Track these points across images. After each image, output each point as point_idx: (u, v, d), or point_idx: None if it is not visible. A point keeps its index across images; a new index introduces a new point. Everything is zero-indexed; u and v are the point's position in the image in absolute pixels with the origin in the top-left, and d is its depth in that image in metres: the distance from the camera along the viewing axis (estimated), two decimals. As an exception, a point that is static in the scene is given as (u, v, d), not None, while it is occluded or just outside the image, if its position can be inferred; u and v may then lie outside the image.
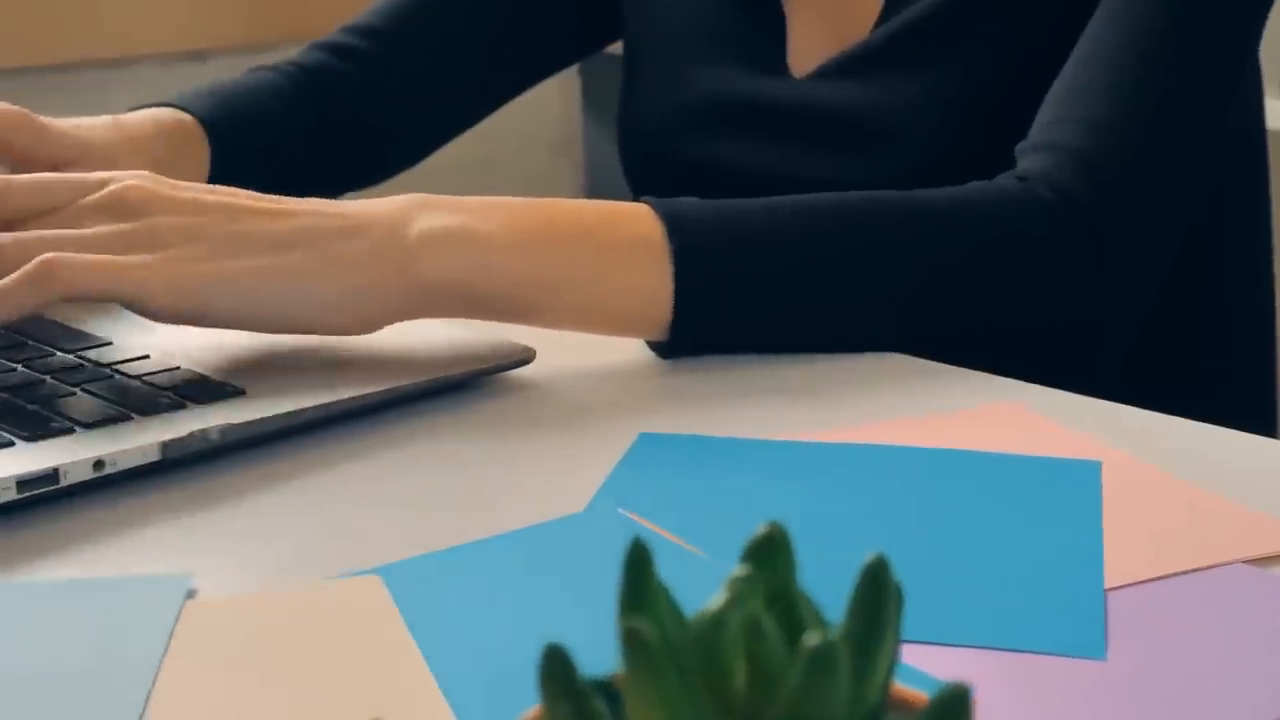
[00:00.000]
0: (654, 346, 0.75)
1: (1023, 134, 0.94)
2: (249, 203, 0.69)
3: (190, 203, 0.68)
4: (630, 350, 0.76)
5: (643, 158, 1.12)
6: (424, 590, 0.53)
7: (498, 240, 0.70)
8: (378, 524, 0.59)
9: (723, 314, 0.73)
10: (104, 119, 0.93)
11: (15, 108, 0.84)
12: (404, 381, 0.69)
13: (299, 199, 0.70)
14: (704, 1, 1.08)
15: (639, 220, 0.73)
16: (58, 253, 0.65)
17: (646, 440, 0.66)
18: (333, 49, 1.13)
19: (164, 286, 0.66)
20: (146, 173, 0.70)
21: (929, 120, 0.95)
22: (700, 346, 0.74)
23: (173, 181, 0.70)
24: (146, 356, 0.71)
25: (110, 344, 0.73)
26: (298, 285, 0.67)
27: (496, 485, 0.62)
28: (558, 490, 0.61)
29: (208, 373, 0.69)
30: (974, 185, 0.78)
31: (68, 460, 0.60)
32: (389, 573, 0.55)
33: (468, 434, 0.67)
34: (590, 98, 2.25)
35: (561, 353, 0.74)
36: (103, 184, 0.69)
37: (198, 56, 1.95)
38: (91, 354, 0.72)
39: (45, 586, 0.54)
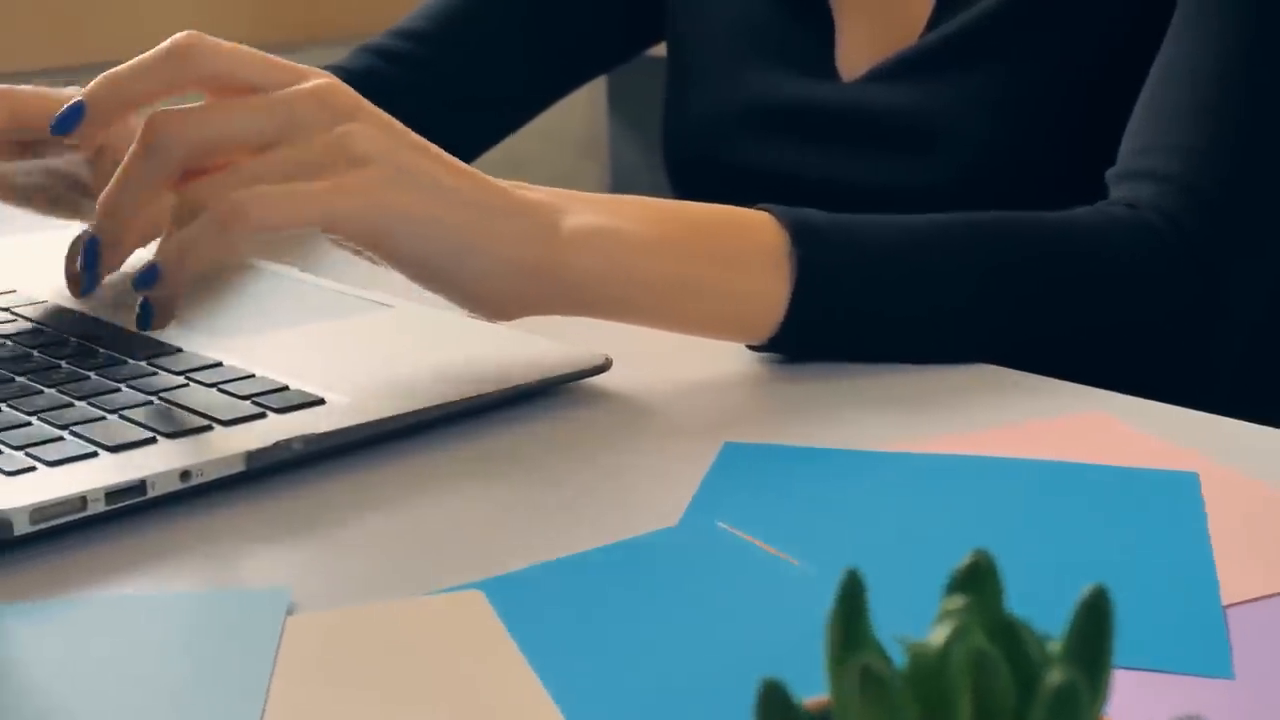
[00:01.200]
0: (754, 345, 0.75)
1: (1074, 138, 0.93)
2: (435, 148, 0.68)
3: (390, 121, 0.67)
4: (702, 357, 0.75)
5: (689, 161, 1.11)
6: (527, 605, 0.53)
7: (636, 241, 0.70)
8: (468, 535, 0.58)
9: (833, 324, 0.73)
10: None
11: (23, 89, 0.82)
12: (485, 389, 0.68)
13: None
14: (751, 5, 1.07)
15: (762, 227, 0.73)
16: (247, 190, 0.62)
17: (732, 450, 0.65)
18: (380, 53, 1.13)
19: (355, 215, 0.64)
20: (330, 74, 0.68)
21: (983, 124, 0.95)
22: (803, 351, 0.74)
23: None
24: (219, 364, 0.70)
25: (181, 351, 0.72)
26: (471, 250, 0.66)
27: (583, 496, 0.61)
28: (646, 500, 0.61)
29: (285, 380, 0.68)
30: (1083, 210, 0.78)
31: (155, 471, 0.59)
32: (490, 587, 0.54)
33: (550, 443, 0.66)
34: (616, 99, 2.25)
35: (632, 359, 0.73)
36: (303, 72, 0.67)
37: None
38: (163, 361, 0.71)
39: (144, 600, 0.53)
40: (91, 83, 0.68)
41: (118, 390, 0.67)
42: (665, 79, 1.14)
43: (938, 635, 0.25)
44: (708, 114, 1.08)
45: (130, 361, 0.71)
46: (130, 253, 0.70)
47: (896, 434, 0.66)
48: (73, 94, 0.82)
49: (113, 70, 0.67)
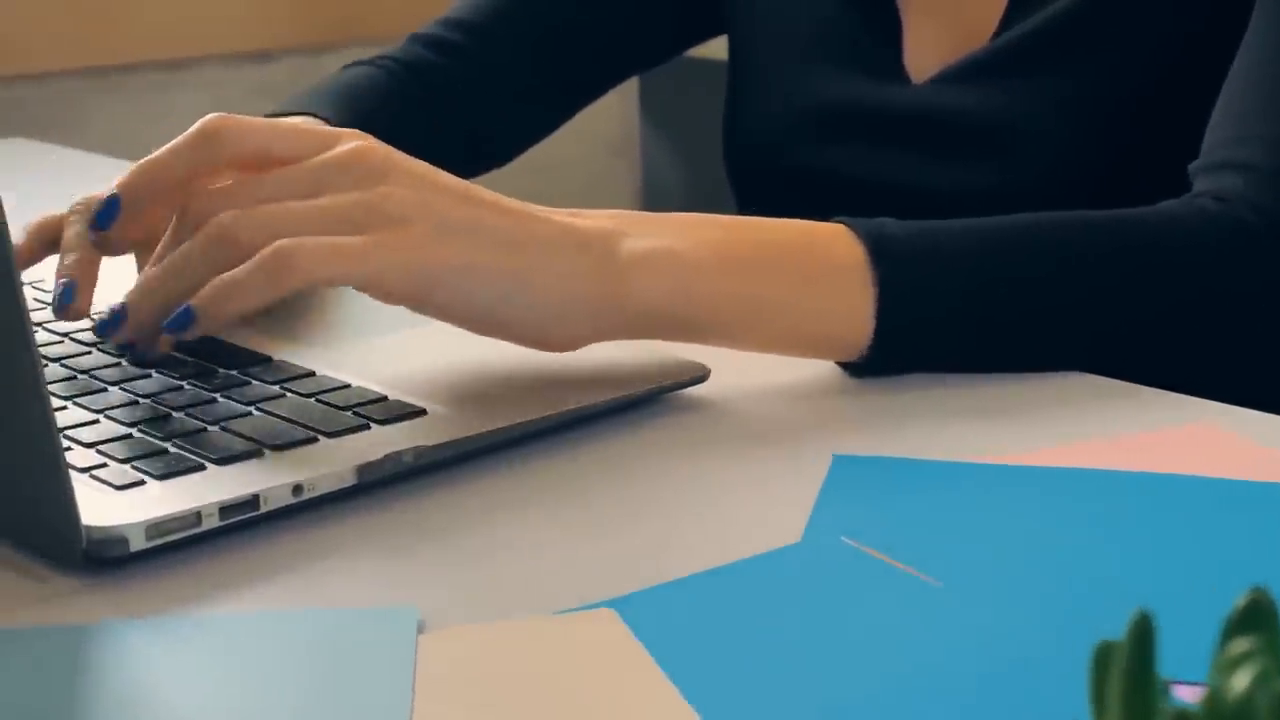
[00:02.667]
0: (844, 365, 0.73)
1: (1150, 137, 0.92)
2: (476, 192, 0.67)
3: (423, 177, 0.66)
4: (799, 368, 0.74)
5: (752, 164, 1.10)
6: (662, 623, 0.52)
7: (703, 263, 0.68)
8: (586, 550, 0.57)
9: (922, 337, 0.71)
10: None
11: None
12: (589, 400, 0.67)
13: (508, 198, 0.68)
14: (816, 6, 1.05)
15: (839, 241, 0.71)
16: (293, 240, 0.62)
17: (843, 463, 0.64)
18: (430, 42, 1.11)
19: (397, 271, 0.63)
20: (370, 136, 0.67)
21: (1059, 126, 0.93)
22: (894, 367, 0.72)
23: (397, 150, 0.67)
24: (312, 374, 0.69)
25: (271, 360, 0.71)
26: (522, 290, 0.65)
27: (697, 510, 0.60)
28: (760, 514, 0.60)
29: (383, 391, 0.67)
30: (1170, 204, 0.77)
31: (267, 486, 0.58)
32: (621, 605, 0.53)
33: (653, 455, 0.65)
34: (648, 99, 2.24)
35: (730, 370, 0.72)
36: (333, 137, 0.66)
37: (262, 57, 1.93)
38: (255, 370, 0.70)
39: (272, 618, 0.52)
40: (124, 174, 0.67)
41: (214, 401, 0.66)
42: (726, 80, 1.13)
43: (1237, 681, 0.24)
44: (772, 116, 1.07)
45: (221, 371, 0.70)
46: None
47: (997, 445, 0.65)
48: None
49: (145, 159, 0.67)
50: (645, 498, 0.61)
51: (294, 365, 0.70)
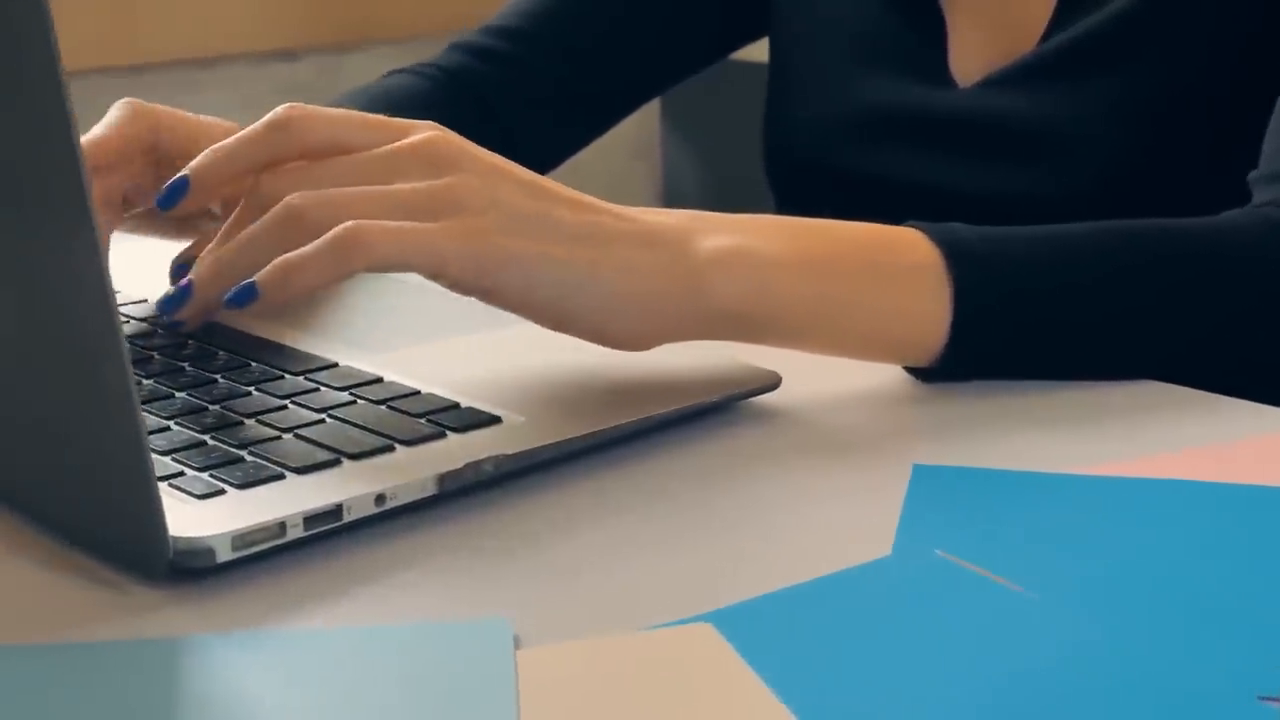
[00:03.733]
0: (913, 370, 0.72)
1: (1204, 145, 0.91)
2: (549, 185, 0.66)
3: (495, 167, 0.65)
4: (864, 374, 0.73)
5: (794, 168, 1.09)
6: (760, 637, 0.51)
7: (780, 263, 0.67)
8: (672, 563, 0.56)
9: (997, 343, 0.71)
10: None
11: (230, 125, 0.81)
12: (663, 408, 0.66)
13: (582, 194, 0.67)
14: (859, 7, 1.04)
15: (914, 245, 0.70)
16: (362, 221, 0.61)
17: (923, 473, 0.63)
18: (473, 50, 1.10)
19: (464, 258, 0.62)
20: (441, 126, 0.66)
21: (1111, 131, 0.92)
22: (965, 373, 0.71)
23: (468, 141, 0.66)
24: (380, 379, 0.68)
25: (336, 365, 0.70)
26: (592, 284, 0.64)
27: (780, 521, 0.60)
28: (844, 524, 0.59)
29: (456, 398, 0.66)
30: (1233, 214, 0.76)
31: (350, 495, 0.57)
32: (718, 619, 0.52)
33: (729, 464, 0.64)
34: (669, 102, 2.23)
35: (796, 376, 0.71)
36: (405, 127, 0.66)
37: (287, 56, 1.92)
38: (321, 376, 0.69)
39: (365, 633, 0.51)
40: (196, 158, 0.67)
41: (284, 407, 0.65)
42: (768, 81, 1.12)
43: None
44: (815, 119, 1.06)
45: (287, 376, 0.69)
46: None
47: (1074, 455, 0.65)
48: (210, 122, 0.81)
49: (217, 145, 0.67)
50: (726, 508, 0.60)
51: (361, 371, 0.69)
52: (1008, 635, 0.51)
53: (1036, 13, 0.98)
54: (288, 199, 0.63)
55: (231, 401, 0.65)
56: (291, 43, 1.91)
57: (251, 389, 0.67)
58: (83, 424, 0.53)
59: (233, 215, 0.66)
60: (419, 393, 0.67)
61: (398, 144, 0.65)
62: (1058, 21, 0.96)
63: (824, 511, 0.60)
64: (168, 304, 0.66)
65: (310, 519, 0.56)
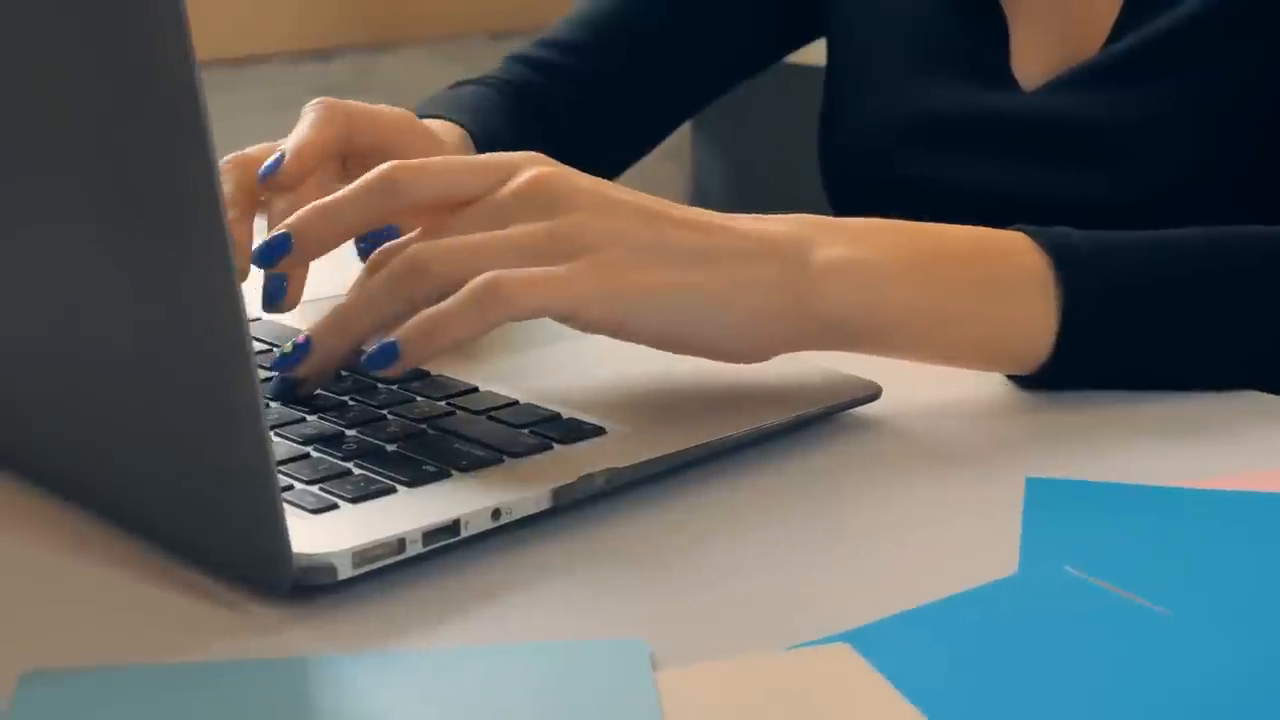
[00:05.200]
0: (1015, 377, 0.72)
1: (1277, 148, 0.90)
2: (658, 206, 0.65)
3: (607, 199, 0.64)
4: (963, 383, 0.72)
5: (853, 172, 1.08)
6: (900, 657, 0.50)
7: (891, 271, 0.66)
8: (794, 579, 0.55)
9: (1103, 352, 0.70)
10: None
11: (403, 113, 0.80)
12: (768, 419, 0.65)
13: (688, 207, 0.66)
14: (920, 10, 1.03)
15: (1020, 251, 0.69)
16: (499, 272, 0.60)
17: (1037, 487, 0.62)
18: (531, 63, 1.10)
19: (600, 300, 0.61)
20: (543, 156, 0.65)
21: (1181, 135, 0.91)
22: (1070, 381, 0.70)
23: (573, 170, 0.65)
24: (475, 389, 0.67)
25: (429, 375, 0.69)
26: (713, 306, 0.63)
27: (898, 536, 0.58)
28: (966, 538, 0.58)
29: (557, 409, 0.64)
30: None
31: (467, 510, 0.55)
32: (855, 639, 0.51)
33: (837, 477, 0.63)
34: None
35: (893, 385, 0.70)
36: (509, 168, 0.65)
37: (323, 56, 1.91)
38: (415, 386, 0.67)
39: (498, 651, 0.50)
40: (297, 214, 0.65)
41: (383, 418, 0.64)
42: (824, 84, 1.11)
43: None
44: (874, 123, 1.05)
45: (380, 386, 0.67)
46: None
47: (1183, 468, 0.63)
48: (393, 114, 0.80)
49: (320, 202, 0.65)
50: (842, 523, 0.59)
51: (455, 380, 0.68)
52: (1150, 655, 0.50)
53: (1100, 14, 0.96)
54: (410, 250, 0.61)
55: (329, 412, 0.64)
56: (325, 43, 1.90)
57: (346, 399, 0.66)
58: (206, 439, 0.51)
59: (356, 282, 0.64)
60: (517, 403, 0.65)
61: (509, 188, 0.63)
62: (1123, 23, 0.95)
63: (941, 526, 0.59)
64: (284, 361, 0.64)
65: (429, 534, 0.54)
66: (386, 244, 0.64)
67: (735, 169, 2.31)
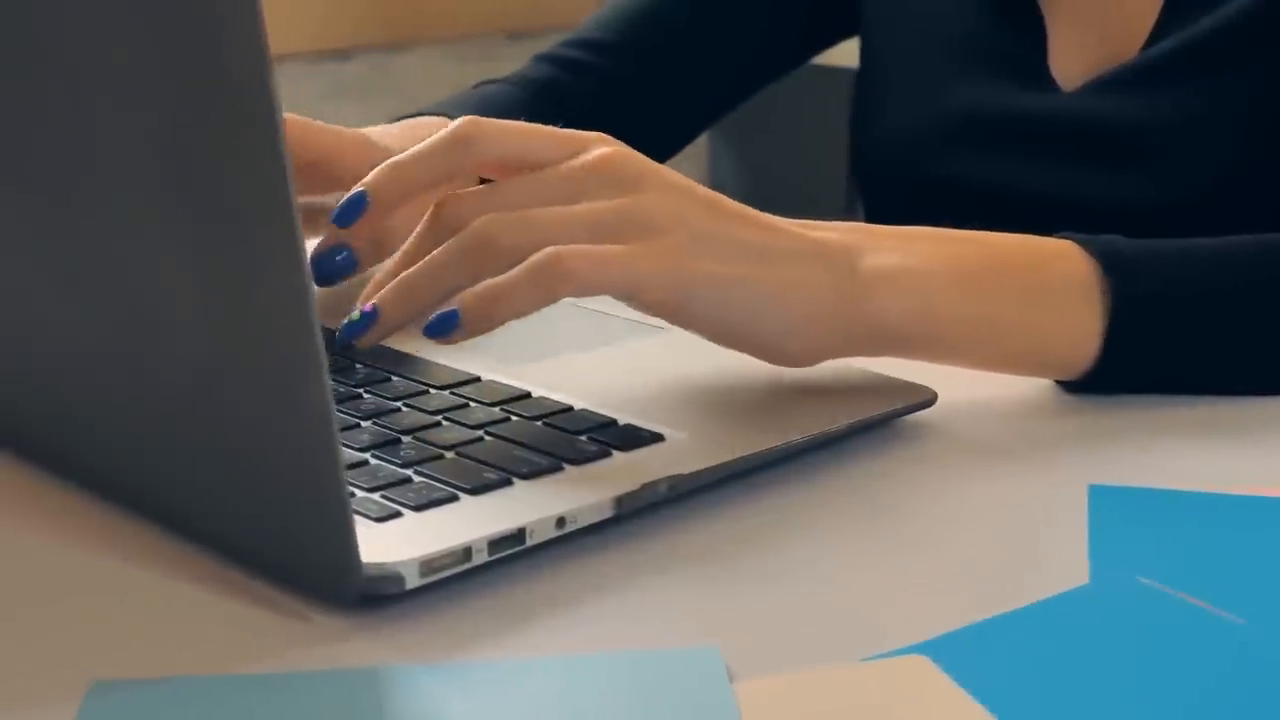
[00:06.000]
0: (1058, 381, 0.71)
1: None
2: (717, 197, 0.65)
3: (674, 183, 0.64)
4: (1012, 388, 0.71)
5: (886, 172, 1.07)
6: (977, 668, 0.49)
7: (941, 281, 0.66)
8: (860, 588, 0.54)
9: (1149, 358, 0.69)
10: (394, 128, 0.88)
11: (357, 132, 0.79)
12: (826, 425, 0.64)
13: (741, 204, 0.66)
14: (956, 10, 1.02)
15: (1069, 258, 0.69)
16: (564, 247, 0.59)
17: (1100, 495, 0.62)
18: (558, 62, 1.09)
19: (662, 281, 0.61)
20: (611, 137, 0.65)
21: (1222, 138, 0.91)
22: (1116, 386, 0.70)
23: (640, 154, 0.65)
24: (528, 395, 0.66)
25: (479, 380, 0.68)
26: (778, 305, 0.63)
27: (966, 544, 0.58)
28: (1032, 547, 0.57)
29: (610, 414, 0.64)
30: None
31: (531, 519, 0.55)
32: (930, 649, 0.50)
33: (898, 484, 0.63)
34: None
35: (942, 390, 0.69)
36: (581, 141, 0.64)
37: (341, 55, 1.90)
38: (467, 391, 0.67)
39: (569, 662, 0.49)
40: (372, 172, 0.65)
41: (438, 424, 0.63)
42: (856, 83, 1.10)
43: None
44: (909, 123, 1.04)
45: (432, 390, 0.67)
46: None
47: (1239, 472, 0.63)
48: (351, 135, 0.79)
49: (394, 159, 0.65)
50: (906, 528, 0.59)
51: (507, 385, 0.67)
52: (1227, 665, 0.49)
53: (1140, 15, 0.96)
54: (478, 223, 0.61)
55: (383, 418, 0.63)
56: (343, 42, 1.89)
57: (399, 404, 0.65)
58: (274, 445, 0.51)
59: (414, 235, 0.64)
60: (572, 409, 0.65)
61: (580, 161, 0.63)
62: (1164, 24, 0.94)
63: (1005, 534, 0.58)
64: (351, 329, 0.63)
65: (494, 543, 0.54)
66: (450, 194, 0.63)
67: (751, 170, 2.31)
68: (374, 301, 0.63)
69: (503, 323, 0.60)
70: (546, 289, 0.59)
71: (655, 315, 0.62)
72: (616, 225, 0.61)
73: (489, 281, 0.60)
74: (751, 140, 2.26)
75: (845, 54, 1.18)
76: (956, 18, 1.02)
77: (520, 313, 0.60)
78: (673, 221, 0.62)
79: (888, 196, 1.08)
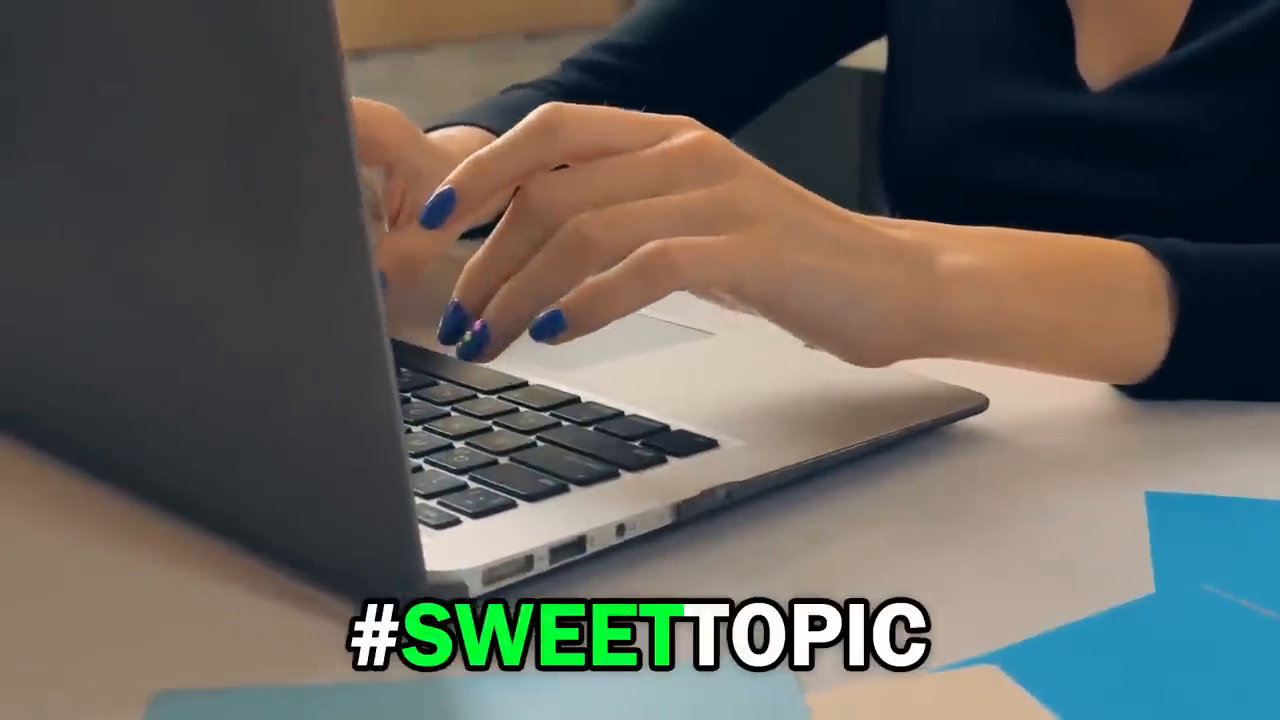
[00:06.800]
0: (1121, 385, 0.71)
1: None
2: (804, 190, 0.64)
3: (763, 171, 0.63)
4: (1068, 393, 0.71)
5: (913, 172, 1.07)
6: (1049, 679, 0.48)
7: (1010, 281, 0.65)
8: (928, 597, 0.53)
9: (1213, 363, 0.69)
10: (439, 134, 0.88)
11: (387, 106, 0.78)
12: (881, 430, 0.63)
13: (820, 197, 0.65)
14: (985, 9, 1.02)
15: (1136, 260, 0.68)
16: (666, 241, 0.58)
17: (1160, 502, 0.61)
18: (587, 67, 1.08)
19: (761, 273, 0.60)
20: (698, 122, 0.64)
21: (1251, 138, 0.90)
22: (1180, 391, 0.69)
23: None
24: (577, 399, 0.66)
25: (527, 384, 0.67)
26: (865, 300, 0.62)
27: (1025, 551, 0.57)
28: (1095, 556, 0.57)
29: (664, 420, 0.63)
30: None
31: (592, 526, 0.54)
32: (1001, 659, 0.49)
33: (956, 490, 0.62)
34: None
35: (996, 395, 0.69)
36: (668, 125, 0.63)
37: (361, 56, 1.89)
38: (515, 395, 0.66)
39: (638, 677, 0.48)
40: (457, 169, 0.63)
41: (489, 429, 0.62)
42: (885, 82, 1.10)
43: None
44: (937, 121, 1.04)
45: (480, 395, 0.66)
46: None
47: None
48: (379, 107, 0.78)
49: (479, 152, 0.63)
50: (966, 537, 0.58)
51: (555, 390, 0.67)
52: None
53: (1169, 14, 0.95)
54: (572, 224, 0.59)
55: (433, 423, 0.63)
56: (363, 42, 1.89)
57: (449, 409, 0.64)
58: (338, 452, 0.50)
59: (500, 226, 0.62)
60: (623, 414, 0.64)
61: (670, 146, 0.62)
62: (1193, 24, 0.93)
63: (1066, 543, 0.58)
64: (468, 352, 0.61)
65: (555, 551, 0.53)
66: (534, 181, 0.61)
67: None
68: (481, 320, 0.61)
69: (609, 321, 0.59)
70: (652, 284, 0.58)
71: (750, 305, 0.61)
72: (713, 215, 0.60)
73: (593, 280, 0.59)
74: (763, 141, 2.25)
75: (859, 55, 1.18)
76: (985, 17, 1.02)
77: (627, 310, 0.58)
78: (767, 211, 0.61)
79: (915, 196, 1.07)
